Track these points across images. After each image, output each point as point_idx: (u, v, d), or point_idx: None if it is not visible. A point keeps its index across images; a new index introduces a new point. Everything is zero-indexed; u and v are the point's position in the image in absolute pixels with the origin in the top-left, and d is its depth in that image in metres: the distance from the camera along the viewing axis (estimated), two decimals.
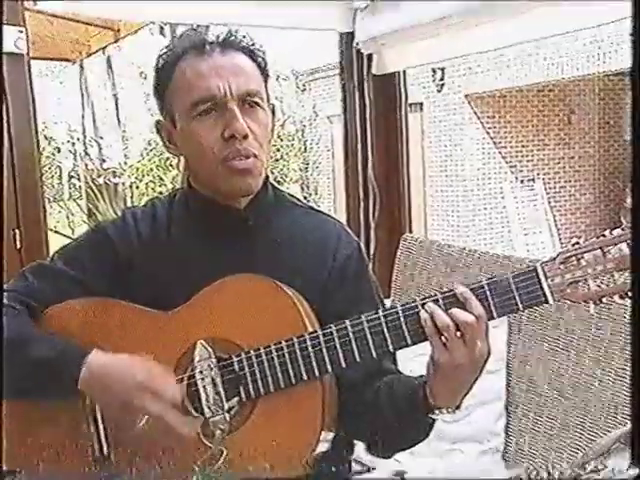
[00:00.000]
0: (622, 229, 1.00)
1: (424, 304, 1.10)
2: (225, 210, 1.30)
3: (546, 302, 1.06)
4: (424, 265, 2.01)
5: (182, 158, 1.36)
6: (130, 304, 1.27)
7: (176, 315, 1.24)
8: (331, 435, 1.19)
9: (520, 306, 1.06)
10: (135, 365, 1.16)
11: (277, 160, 12.94)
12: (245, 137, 1.20)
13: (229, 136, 1.20)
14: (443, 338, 1.08)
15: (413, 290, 2.00)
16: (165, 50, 1.28)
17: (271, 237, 1.31)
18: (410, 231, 2.33)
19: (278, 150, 12.89)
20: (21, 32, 1.67)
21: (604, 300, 1.03)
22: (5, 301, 1.23)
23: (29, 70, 1.72)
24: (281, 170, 12.96)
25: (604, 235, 1.01)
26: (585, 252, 1.02)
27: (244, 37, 1.27)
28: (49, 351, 1.18)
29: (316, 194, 11.99)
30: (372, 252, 2.30)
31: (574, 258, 1.03)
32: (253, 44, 1.26)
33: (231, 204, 1.29)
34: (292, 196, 1.41)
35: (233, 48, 1.25)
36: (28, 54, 1.70)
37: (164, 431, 1.14)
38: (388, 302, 1.83)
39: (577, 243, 1.04)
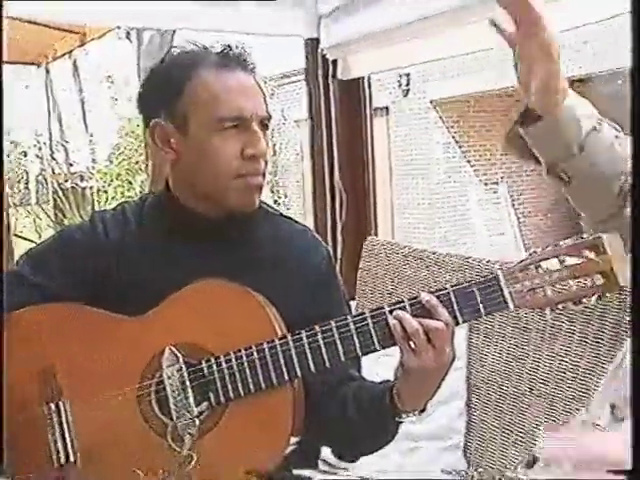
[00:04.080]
0: (577, 238, 1.04)
1: (392, 310, 1.10)
2: (204, 222, 1.29)
3: (507, 308, 1.08)
4: (388, 267, 2.01)
5: (151, 163, 1.35)
6: (97, 310, 1.25)
7: (145, 320, 1.22)
8: (297, 439, 1.18)
9: (483, 312, 1.09)
10: None
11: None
12: (262, 157, 1.24)
13: (251, 155, 1.22)
14: (412, 344, 1.09)
15: (378, 291, 2.01)
16: (173, 57, 1.32)
17: (247, 247, 1.31)
18: (376, 233, 2.36)
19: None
20: None
21: (559, 306, 1.07)
22: None
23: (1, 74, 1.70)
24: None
25: (559, 244, 1.05)
26: (542, 260, 1.06)
27: (247, 55, 1.29)
28: None
29: (285, 197, 12.01)
30: (339, 254, 2.31)
31: (532, 266, 1.07)
32: (252, 62, 1.29)
33: (214, 216, 1.29)
34: (266, 204, 1.41)
35: (248, 69, 1.27)
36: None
37: None
38: (353, 304, 1.85)
39: (535, 252, 1.08)
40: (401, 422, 1.20)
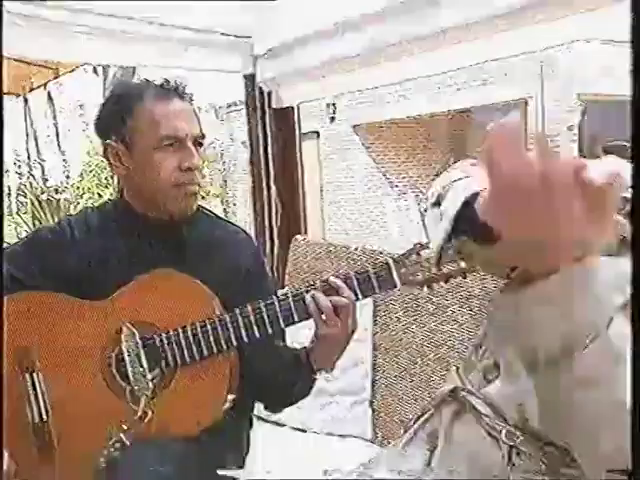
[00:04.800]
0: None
1: (308, 291, 1.16)
2: (153, 223, 1.30)
3: (395, 287, 1.16)
4: (311, 260, 2.04)
5: (116, 177, 1.36)
6: (60, 295, 1.25)
7: (106, 304, 1.24)
8: (234, 396, 1.21)
9: (377, 290, 1.16)
10: None
11: (203, 177, 12.74)
12: (196, 169, 1.26)
13: (187, 168, 1.24)
14: (323, 316, 1.15)
15: (303, 280, 2.01)
16: (121, 89, 1.32)
17: (188, 243, 1.32)
18: (306, 233, 2.37)
19: (202, 171, 12.70)
20: None
21: (434, 285, 1.15)
22: None
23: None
24: (204, 187, 12.78)
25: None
26: (421, 250, 1.14)
27: (183, 85, 1.30)
28: None
29: (234, 205, 11.90)
30: (275, 252, 2.33)
31: (414, 254, 1.15)
32: (188, 92, 1.31)
33: (160, 218, 1.30)
34: (205, 209, 1.42)
35: (182, 95, 1.29)
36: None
37: None
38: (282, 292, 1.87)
39: (418, 244, 1.16)
40: (316, 378, 1.26)
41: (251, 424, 1.43)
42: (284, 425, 1.82)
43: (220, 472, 1.21)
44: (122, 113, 1.26)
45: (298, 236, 2.20)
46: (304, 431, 1.80)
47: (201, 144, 1.29)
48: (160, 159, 1.23)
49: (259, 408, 1.42)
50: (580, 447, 0.71)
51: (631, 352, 0.55)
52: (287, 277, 2.15)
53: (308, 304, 1.15)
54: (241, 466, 1.36)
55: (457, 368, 1.00)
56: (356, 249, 1.92)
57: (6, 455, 1.17)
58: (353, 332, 1.22)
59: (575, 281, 0.63)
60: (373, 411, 1.77)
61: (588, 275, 0.63)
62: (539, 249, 0.60)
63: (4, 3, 1.62)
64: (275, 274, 2.25)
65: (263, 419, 1.78)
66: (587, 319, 0.63)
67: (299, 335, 1.36)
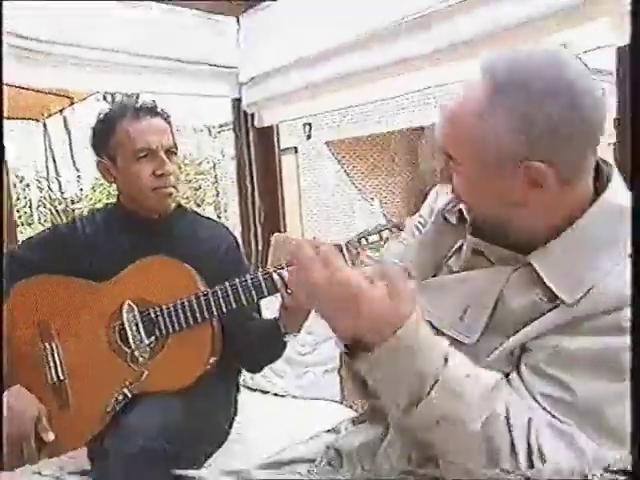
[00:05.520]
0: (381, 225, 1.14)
1: (275, 270, 1.17)
2: (144, 220, 1.33)
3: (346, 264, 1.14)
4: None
5: (115, 185, 1.37)
6: (73, 278, 1.28)
7: (109, 285, 1.27)
8: (215, 359, 1.24)
9: None
10: (29, 418, 1.16)
11: (197, 189, 12.64)
12: (170, 174, 1.28)
13: (160, 174, 1.27)
14: (289, 290, 1.15)
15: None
16: (105, 113, 1.31)
17: (173, 236, 1.34)
18: (285, 232, 2.38)
19: (197, 182, 12.60)
20: None
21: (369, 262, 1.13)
22: None
23: (1, 127, 1.64)
24: (200, 196, 12.68)
25: (378, 226, 1.15)
26: (368, 235, 1.14)
27: (158, 105, 1.32)
28: None
29: (225, 211, 11.84)
30: (260, 247, 2.34)
31: (363, 239, 1.15)
32: (163, 110, 1.32)
33: (149, 215, 1.33)
34: (191, 209, 1.45)
35: (156, 113, 1.30)
36: (1, 115, 1.62)
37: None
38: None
39: (365, 230, 1.16)
40: (286, 341, 1.27)
41: (238, 389, 1.44)
42: (268, 392, 1.82)
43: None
44: (106, 133, 1.28)
45: (276, 234, 2.21)
46: (284, 396, 1.81)
47: (174, 153, 1.30)
48: (138, 169, 1.26)
49: (245, 378, 1.43)
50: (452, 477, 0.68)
51: (631, 351, 0.56)
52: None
53: (275, 280, 1.16)
54: (230, 426, 1.37)
55: None
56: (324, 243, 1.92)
57: (37, 402, 1.19)
58: None
59: (400, 350, 0.62)
60: (341, 378, 1.75)
61: (407, 343, 0.62)
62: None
63: (23, 42, 1.62)
64: (259, 266, 2.26)
65: (250, 388, 1.80)
66: (423, 370, 0.62)
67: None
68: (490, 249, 0.76)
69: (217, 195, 12.27)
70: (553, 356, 0.65)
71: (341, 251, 1.14)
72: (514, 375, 0.68)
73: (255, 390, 1.82)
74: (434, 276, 0.82)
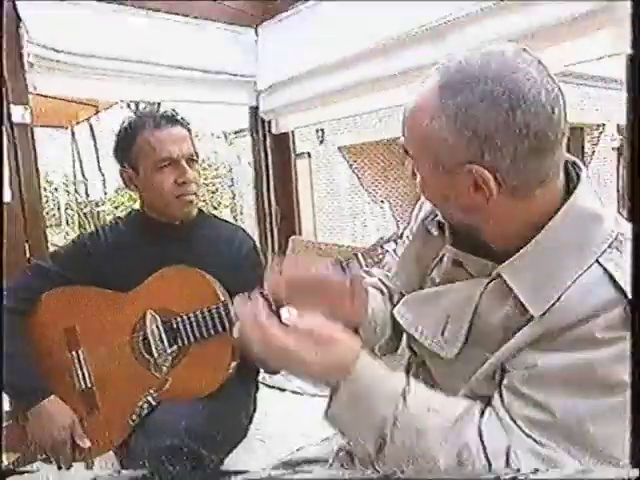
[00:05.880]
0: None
1: None
2: (166, 226, 1.31)
3: None
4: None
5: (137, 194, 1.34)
6: (97, 289, 1.26)
7: (132, 295, 1.25)
8: (237, 362, 1.22)
9: None
10: (64, 426, 1.18)
11: (214, 192, 12.69)
12: (191, 182, 1.25)
13: (182, 182, 1.24)
14: None
15: None
16: (127, 123, 1.29)
17: (195, 241, 1.32)
18: (300, 234, 2.38)
19: (214, 185, 12.65)
20: (26, 109, 1.62)
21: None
22: (5, 301, 1.21)
23: (32, 135, 1.67)
24: (217, 199, 12.73)
25: (395, 233, 1.07)
26: (385, 243, 1.08)
27: (179, 113, 1.30)
28: (15, 379, 1.17)
29: (241, 214, 11.86)
30: (276, 248, 2.35)
31: (379, 247, 1.06)
32: (183, 118, 1.30)
33: (171, 222, 1.31)
34: (211, 214, 1.42)
35: (176, 122, 1.28)
36: (32, 124, 1.66)
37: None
38: None
39: (381, 238, 1.07)
40: None
41: (257, 388, 1.43)
42: (285, 390, 1.82)
43: None
44: (128, 143, 1.26)
45: (294, 236, 2.20)
46: (302, 394, 1.80)
47: (195, 160, 1.28)
48: (160, 178, 1.24)
49: (264, 376, 1.41)
50: None
51: (631, 351, 0.53)
52: None
53: None
54: (250, 422, 1.36)
55: None
56: (340, 246, 1.92)
57: (70, 410, 1.20)
58: None
59: (351, 400, 0.61)
60: None
61: (359, 390, 0.60)
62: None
63: (55, 55, 1.65)
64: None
65: (268, 385, 1.79)
66: (381, 413, 0.60)
67: None
68: (468, 259, 0.72)
69: (233, 198, 12.30)
70: (528, 375, 0.61)
71: (357, 260, 1.12)
72: (496, 396, 0.64)
73: (273, 387, 1.81)
74: (421, 288, 0.79)
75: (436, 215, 0.79)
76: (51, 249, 1.66)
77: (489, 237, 0.69)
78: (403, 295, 0.82)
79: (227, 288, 1.22)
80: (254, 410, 1.39)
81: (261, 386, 1.46)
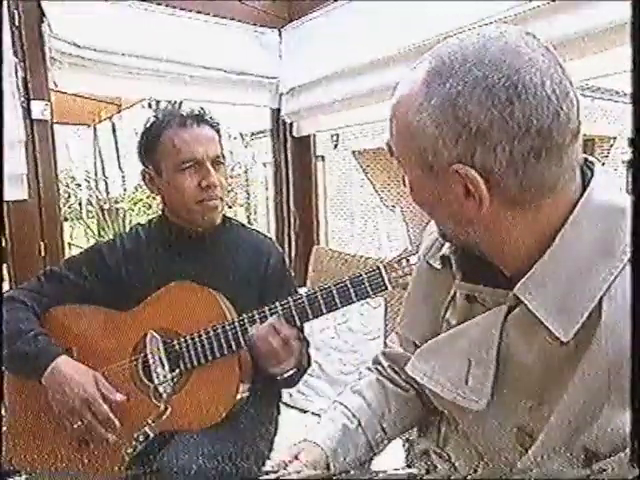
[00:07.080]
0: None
1: (308, 296, 1.06)
2: (189, 233, 1.21)
3: (386, 289, 1.03)
4: (327, 265, 1.95)
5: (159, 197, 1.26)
6: (100, 307, 1.16)
7: (133, 314, 1.15)
8: (248, 386, 1.11)
9: (371, 293, 1.03)
10: (87, 381, 1.05)
11: (229, 191, 12.69)
12: (216, 186, 1.15)
13: (206, 185, 1.14)
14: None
15: (322, 281, 1.91)
16: (151, 122, 1.20)
17: (217, 250, 1.22)
18: (318, 241, 2.30)
19: (230, 184, 12.68)
20: (46, 105, 1.55)
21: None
22: (21, 297, 1.13)
23: (52, 131, 1.60)
24: (232, 198, 12.76)
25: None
26: (410, 256, 1.02)
27: (208, 113, 1.20)
28: (31, 347, 1.05)
29: (255, 214, 11.87)
30: (293, 255, 2.26)
31: (404, 260, 1.02)
32: (212, 118, 1.20)
33: (195, 229, 1.21)
34: (238, 222, 1.32)
35: (203, 122, 1.18)
36: (52, 120, 1.59)
37: (95, 433, 1.06)
38: (304, 289, 1.79)
39: (405, 250, 1.03)
40: (309, 352, 1.19)
41: (279, 411, 1.33)
42: (307, 411, 1.71)
43: None
44: (152, 142, 1.18)
45: (319, 246, 2.11)
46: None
47: (221, 163, 1.19)
48: (183, 180, 1.15)
49: (284, 396, 1.31)
50: None
51: (631, 350, 0.44)
52: (309, 280, 2.04)
53: (307, 308, 1.06)
54: (270, 450, 1.25)
55: None
56: (361, 257, 1.83)
57: (88, 369, 1.10)
58: None
59: None
60: None
61: None
62: None
63: (79, 51, 1.57)
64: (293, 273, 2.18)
65: (288, 404, 1.69)
66: None
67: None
68: (482, 292, 0.61)
69: (248, 197, 12.29)
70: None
71: (379, 272, 1.03)
72: None
73: (293, 407, 1.71)
74: (437, 334, 0.66)
75: (439, 247, 0.69)
76: (69, 245, 1.58)
77: (490, 255, 0.58)
78: (417, 346, 0.69)
79: (250, 301, 1.13)
80: (275, 434, 1.29)
81: (282, 407, 1.36)
